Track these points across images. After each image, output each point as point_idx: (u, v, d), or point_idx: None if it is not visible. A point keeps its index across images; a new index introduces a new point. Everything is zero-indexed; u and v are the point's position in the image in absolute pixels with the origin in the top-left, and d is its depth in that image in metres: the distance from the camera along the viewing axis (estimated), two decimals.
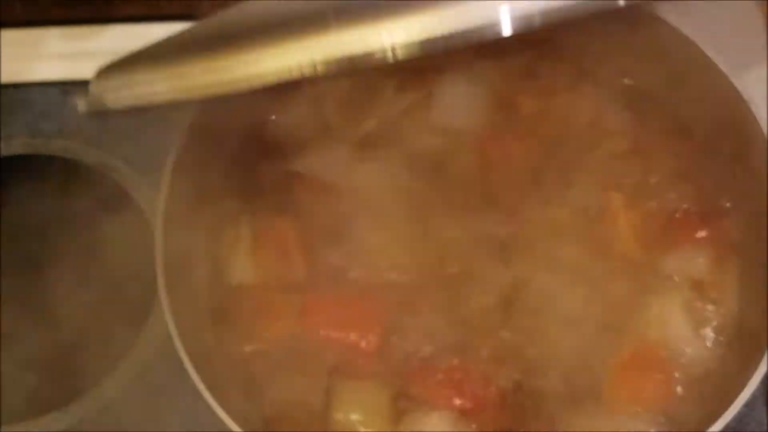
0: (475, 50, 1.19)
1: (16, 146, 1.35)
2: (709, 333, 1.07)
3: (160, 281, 1.00)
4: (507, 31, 0.78)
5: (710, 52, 1.08)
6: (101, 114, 0.90)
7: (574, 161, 1.16)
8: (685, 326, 1.06)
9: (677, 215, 1.13)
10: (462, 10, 0.77)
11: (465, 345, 1.05)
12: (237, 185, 1.16)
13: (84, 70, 1.42)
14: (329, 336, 1.07)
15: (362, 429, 1.02)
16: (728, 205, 1.13)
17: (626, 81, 1.21)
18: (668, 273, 1.09)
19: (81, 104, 0.90)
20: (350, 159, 1.17)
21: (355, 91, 1.21)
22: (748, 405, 1.15)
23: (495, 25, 0.77)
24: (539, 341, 1.06)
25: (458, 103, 1.20)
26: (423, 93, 1.20)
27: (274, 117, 1.20)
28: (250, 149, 1.17)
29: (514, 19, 0.77)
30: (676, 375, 1.04)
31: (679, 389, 1.04)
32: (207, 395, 0.95)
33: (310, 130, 1.19)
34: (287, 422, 1.04)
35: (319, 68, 0.79)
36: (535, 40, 1.18)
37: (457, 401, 1.02)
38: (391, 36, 0.77)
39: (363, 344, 1.06)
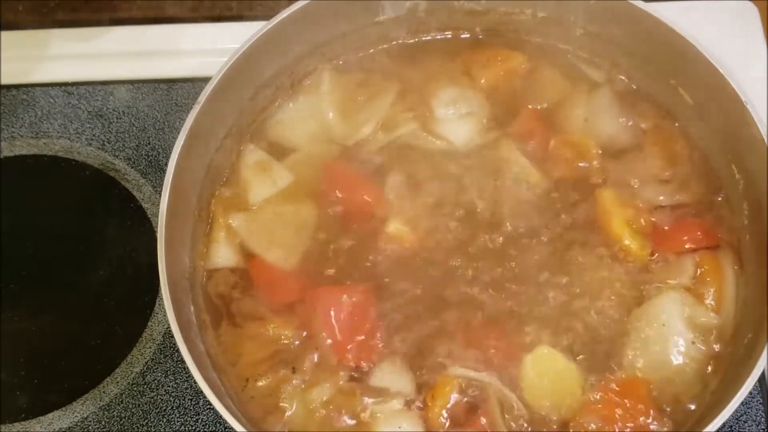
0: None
1: (18, 147, 1.35)
2: (706, 334, 1.07)
3: (162, 280, 1.00)
4: None
5: (709, 53, 1.08)
6: None
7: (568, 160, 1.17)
8: (682, 328, 1.06)
9: (672, 215, 1.13)
10: None
11: None
12: None
13: (86, 71, 1.44)
14: None
15: None
16: (725, 206, 1.14)
17: (624, 80, 1.21)
18: (665, 276, 1.09)
19: None
20: None
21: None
22: (745, 404, 1.16)
23: None
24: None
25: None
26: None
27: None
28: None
29: None
30: (674, 377, 1.05)
31: (676, 389, 1.04)
32: (208, 393, 0.95)
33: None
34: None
35: None
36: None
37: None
38: None
39: None
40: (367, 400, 1.04)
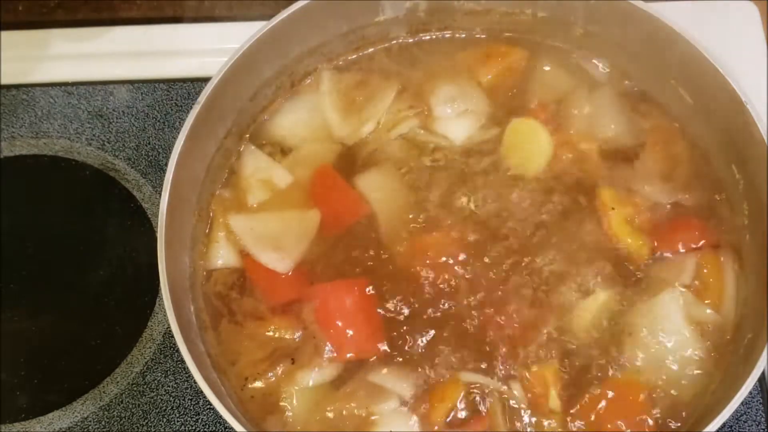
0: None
1: (18, 147, 1.35)
2: (706, 333, 1.07)
3: (162, 280, 1.00)
4: None
5: (709, 53, 1.08)
6: None
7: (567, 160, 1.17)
8: (682, 327, 1.06)
9: (672, 214, 1.13)
10: None
11: None
12: None
13: (86, 71, 1.44)
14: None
15: None
16: (725, 206, 1.14)
17: (624, 81, 1.21)
18: (664, 276, 1.09)
19: None
20: None
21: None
22: (745, 404, 1.16)
23: None
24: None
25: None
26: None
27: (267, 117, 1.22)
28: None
29: None
30: (673, 377, 1.05)
31: (676, 389, 1.04)
32: (208, 393, 0.95)
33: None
34: None
35: None
36: None
37: None
38: None
39: None
40: (367, 399, 1.04)
